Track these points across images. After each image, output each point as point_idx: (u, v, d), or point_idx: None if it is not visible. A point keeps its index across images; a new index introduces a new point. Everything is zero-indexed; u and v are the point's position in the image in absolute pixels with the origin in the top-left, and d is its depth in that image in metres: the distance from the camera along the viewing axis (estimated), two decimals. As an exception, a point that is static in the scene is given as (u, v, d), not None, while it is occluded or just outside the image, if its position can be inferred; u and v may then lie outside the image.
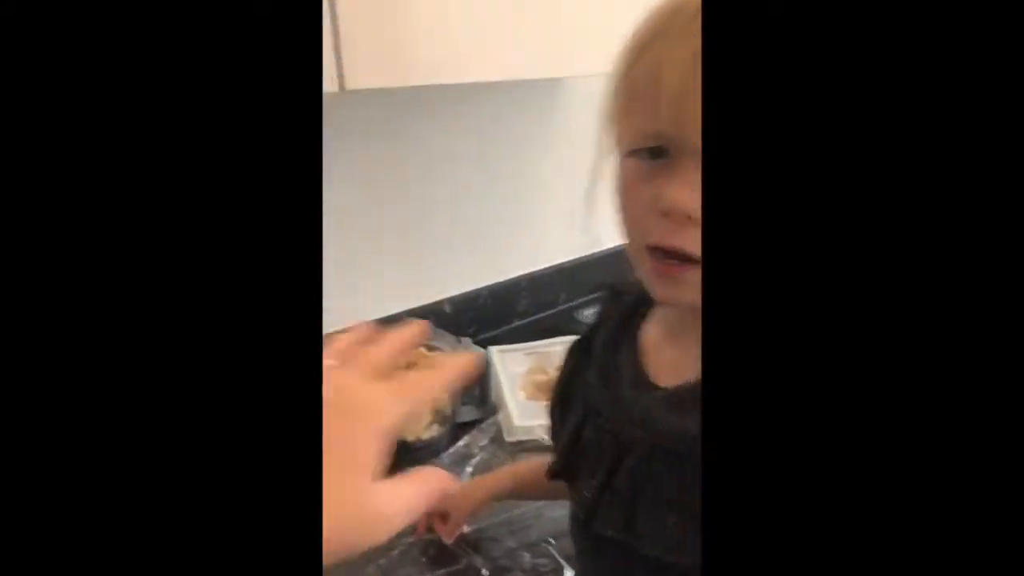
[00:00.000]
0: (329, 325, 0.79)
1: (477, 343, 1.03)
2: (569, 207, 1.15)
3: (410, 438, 0.75)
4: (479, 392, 0.82)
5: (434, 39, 0.62)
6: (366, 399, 0.27)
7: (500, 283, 1.07)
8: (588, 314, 1.14)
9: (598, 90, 1.18)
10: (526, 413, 0.80)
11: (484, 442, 0.76)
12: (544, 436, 0.76)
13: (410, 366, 0.74)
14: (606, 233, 1.23)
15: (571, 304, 1.17)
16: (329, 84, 0.57)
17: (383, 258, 0.94)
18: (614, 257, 1.23)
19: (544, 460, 0.64)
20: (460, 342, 0.80)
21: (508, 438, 0.77)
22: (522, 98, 1.02)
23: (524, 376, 0.89)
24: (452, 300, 1.01)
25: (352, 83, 0.57)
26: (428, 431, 0.76)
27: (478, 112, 0.98)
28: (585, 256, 1.19)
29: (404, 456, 0.75)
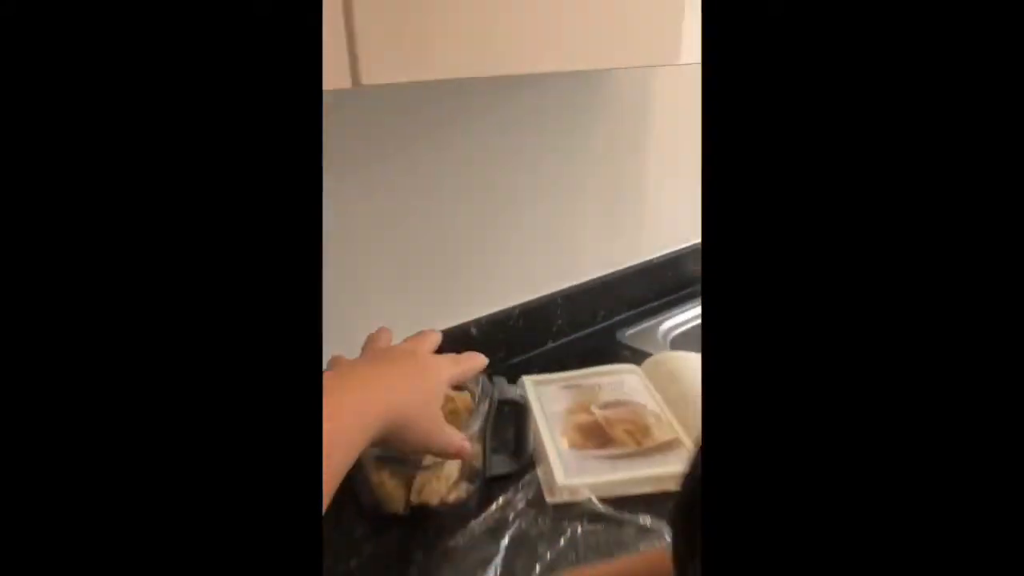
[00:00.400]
0: (346, 353, 0.63)
1: (507, 368, 0.91)
2: (608, 213, 1.03)
3: (433, 501, 0.63)
4: (514, 437, 0.70)
5: (456, 30, 0.50)
6: (434, 363, 0.47)
7: (533, 300, 0.95)
8: (630, 333, 1.02)
9: (642, 86, 1.01)
10: (570, 468, 0.67)
11: (521, 504, 0.64)
12: (592, 497, 0.64)
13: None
14: (648, 242, 1.10)
15: (610, 321, 1.05)
16: (342, 80, 0.46)
17: (401, 277, 0.82)
18: (658, 268, 1.10)
19: (616, 566, 0.52)
20: (492, 382, 0.68)
21: (550, 499, 0.65)
22: (557, 94, 0.89)
23: (564, 417, 0.76)
24: (479, 322, 0.89)
25: (367, 77, 0.46)
26: (455, 491, 0.64)
27: (506, 111, 0.85)
28: (627, 267, 1.07)
29: (427, 521, 0.63)
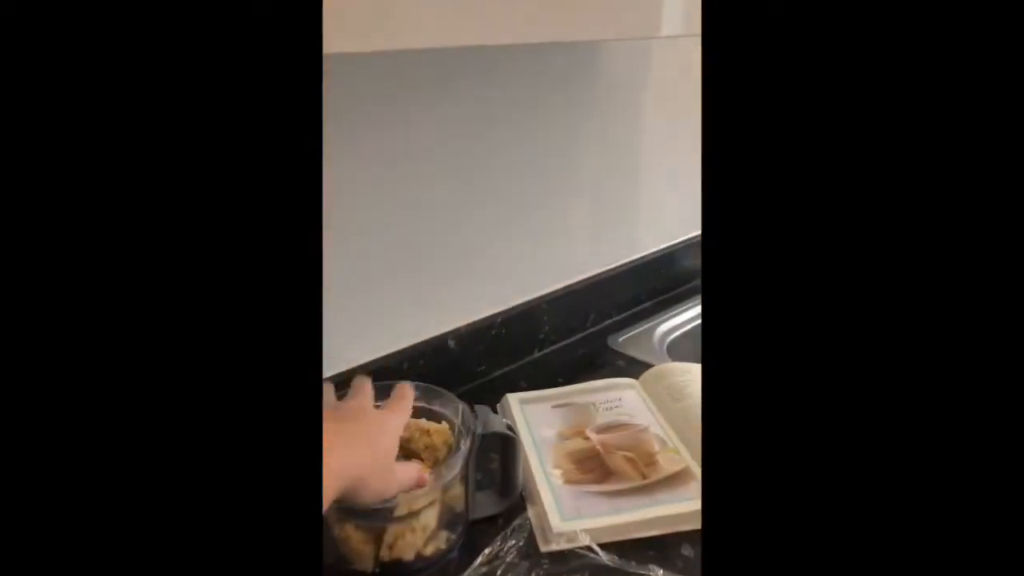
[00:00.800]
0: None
1: (490, 384, 0.82)
2: (598, 205, 0.93)
3: (408, 556, 0.54)
4: (500, 470, 0.61)
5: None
6: (382, 421, 0.49)
7: (517, 306, 0.85)
8: (623, 339, 0.93)
9: (635, 68, 0.91)
10: (566, 508, 0.58)
11: (512, 556, 0.55)
12: (592, 544, 0.56)
13: (407, 444, 0.51)
14: (640, 237, 1.00)
15: (601, 326, 0.96)
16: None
17: (363, 284, 0.71)
18: (652, 265, 1.02)
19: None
20: (475, 412, 0.59)
21: (544, 547, 0.56)
22: (542, 76, 0.79)
23: (556, 444, 0.67)
24: (457, 333, 0.79)
25: (329, 46, 0.36)
26: (433, 542, 0.55)
27: (485, 93, 0.74)
28: (618, 265, 0.97)
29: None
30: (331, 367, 0.69)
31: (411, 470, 0.49)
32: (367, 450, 0.45)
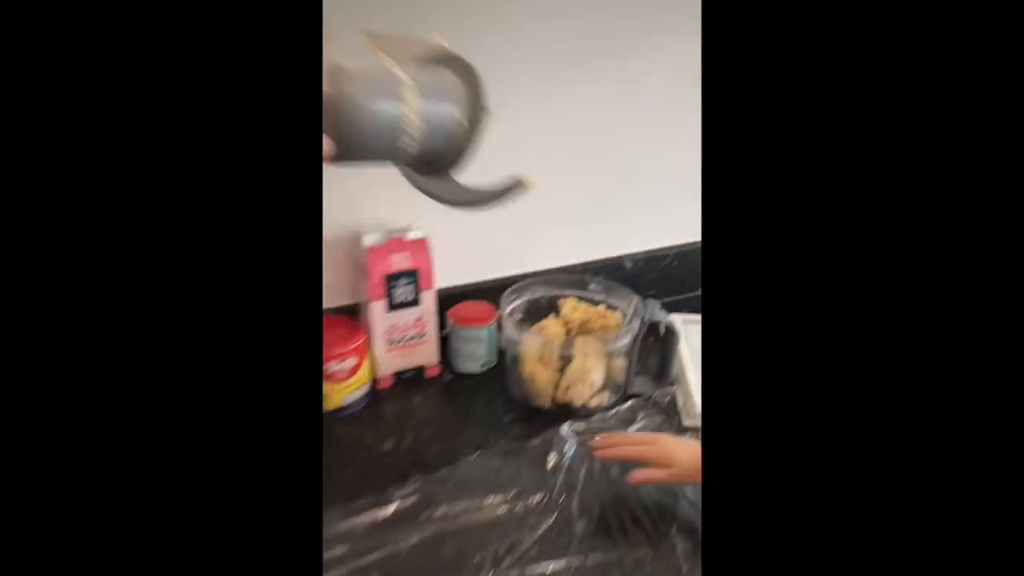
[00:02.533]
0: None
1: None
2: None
3: (577, 402, 0.68)
4: (657, 363, 0.73)
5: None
6: None
7: (690, 243, 0.96)
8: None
9: None
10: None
11: (654, 409, 0.69)
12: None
13: (585, 324, 0.65)
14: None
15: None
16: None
17: (560, 204, 0.86)
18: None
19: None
20: (644, 304, 0.71)
21: (686, 421, 0.68)
22: None
23: (709, 353, 0.78)
24: (634, 256, 0.92)
25: None
26: (598, 398, 0.69)
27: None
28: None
29: (568, 417, 0.69)
30: (517, 267, 0.84)
31: None
32: None
